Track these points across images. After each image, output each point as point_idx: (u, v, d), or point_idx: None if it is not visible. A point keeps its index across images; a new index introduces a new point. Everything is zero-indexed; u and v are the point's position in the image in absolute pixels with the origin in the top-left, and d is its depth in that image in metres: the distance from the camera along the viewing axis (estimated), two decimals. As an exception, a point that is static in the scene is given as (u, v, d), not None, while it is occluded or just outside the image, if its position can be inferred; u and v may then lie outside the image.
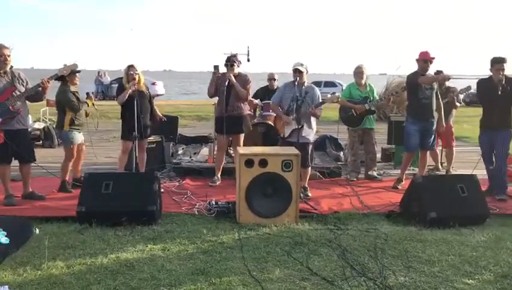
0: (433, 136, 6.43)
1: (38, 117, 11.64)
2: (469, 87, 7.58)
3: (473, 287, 3.43)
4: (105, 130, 10.92)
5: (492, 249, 4.18)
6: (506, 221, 5.11)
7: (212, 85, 6.39)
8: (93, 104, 6.22)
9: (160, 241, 4.29)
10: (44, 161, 7.61)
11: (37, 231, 4.39)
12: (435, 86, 6.38)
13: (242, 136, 6.56)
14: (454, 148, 7.53)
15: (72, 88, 6.01)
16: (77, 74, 6.00)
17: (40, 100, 5.80)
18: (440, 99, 6.65)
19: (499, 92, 5.68)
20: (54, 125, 9.31)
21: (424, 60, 6.21)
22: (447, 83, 7.55)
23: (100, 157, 7.00)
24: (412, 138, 6.33)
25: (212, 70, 6.36)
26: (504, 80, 5.71)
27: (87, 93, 6.23)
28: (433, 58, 6.25)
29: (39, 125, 10.24)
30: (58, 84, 5.99)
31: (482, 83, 6.04)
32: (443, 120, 6.72)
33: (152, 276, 3.54)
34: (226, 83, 6.27)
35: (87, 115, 6.21)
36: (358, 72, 7.13)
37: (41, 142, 9.76)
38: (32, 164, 5.73)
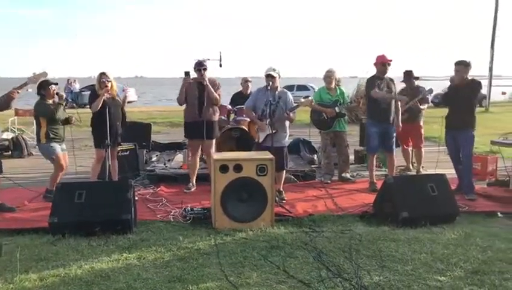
0: (394, 138, 6.60)
1: (7, 127, 11.37)
2: (431, 90, 7.73)
3: (445, 284, 3.51)
4: (76, 138, 10.73)
5: (462, 246, 4.29)
6: (475, 219, 5.27)
7: (183, 93, 6.34)
8: (65, 105, 6.17)
9: (135, 249, 4.24)
10: (14, 171, 7.46)
11: None
12: (393, 88, 6.56)
13: (214, 141, 6.57)
14: (423, 149, 7.70)
15: (49, 101, 5.99)
16: (53, 86, 5.94)
17: (6, 108, 5.69)
18: (398, 101, 6.80)
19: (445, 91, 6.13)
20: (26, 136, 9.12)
21: (382, 63, 6.45)
22: (416, 82, 7.72)
23: (72, 166, 6.86)
24: (373, 139, 6.55)
25: (184, 76, 6.34)
26: (465, 81, 5.98)
27: (57, 94, 6.12)
28: (391, 60, 6.49)
29: (8, 135, 10.00)
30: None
31: (450, 85, 6.23)
32: (399, 121, 6.79)
33: (128, 285, 3.50)
34: (197, 88, 6.27)
35: (70, 122, 6.12)
36: (328, 77, 7.24)
37: (10, 152, 9.53)
38: (2, 176, 5.61)
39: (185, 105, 6.47)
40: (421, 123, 7.63)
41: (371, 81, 6.52)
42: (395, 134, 6.64)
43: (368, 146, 6.79)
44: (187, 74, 6.25)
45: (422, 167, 7.65)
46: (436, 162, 7.49)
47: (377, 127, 6.50)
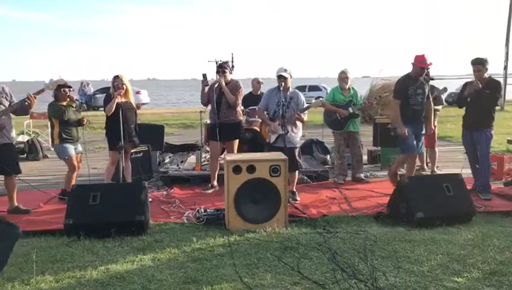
0: (422, 139, 6.46)
1: (22, 130, 11.51)
2: (445, 89, 7.56)
3: (462, 285, 3.47)
4: (91, 140, 10.84)
5: (479, 247, 4.24)
6: (491, 218, 5.20)
7: (204, 94, 6.40)
8: (76, 105, 6.24)
9: (150, 251, 4.26)
10: (30, 174, 7.54)
11: None
12: (427, 90, 6.21)
13: (236, 142, 6.56)
14: (437, 148, 7.61)
15: (62, 102, 6.06)
16: (65, 89, 6.00)
17: (25, 114, 5.85)
18: (432, 103, 6.50)
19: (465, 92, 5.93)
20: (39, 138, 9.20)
21: (421, 67, 6.02)
22: (431, 83, 7.62)
23: (85, 168, 6.92)
24: (409, 138, 6.07)
25: (202, 78, 6.35)
26: (483, 80, 5.85)
27: (69, 96, 6.16)
28: (430, 64, 6.10)
29: (23, 138, 10.12)
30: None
31: (466, 84, 6.11)
32: (432, 123, 6.54)
33: (143, 287, 3.51)
34: (217, 90, 6.29)
35: (82, 123, 6.18)
36: (343, 77, 7.19)
37: (25, 155, 9.64)
38: (17, 178, 5.68)
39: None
40: (435, 123, 7.53)
41: (402, 83, 6.11)
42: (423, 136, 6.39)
43: (405, 146, 6.14)
44: (204, 76, 6.27)
45: (437, 166, 7.58)
46: (445, 161, 7.40)
47: (410, 127, 6.06)
